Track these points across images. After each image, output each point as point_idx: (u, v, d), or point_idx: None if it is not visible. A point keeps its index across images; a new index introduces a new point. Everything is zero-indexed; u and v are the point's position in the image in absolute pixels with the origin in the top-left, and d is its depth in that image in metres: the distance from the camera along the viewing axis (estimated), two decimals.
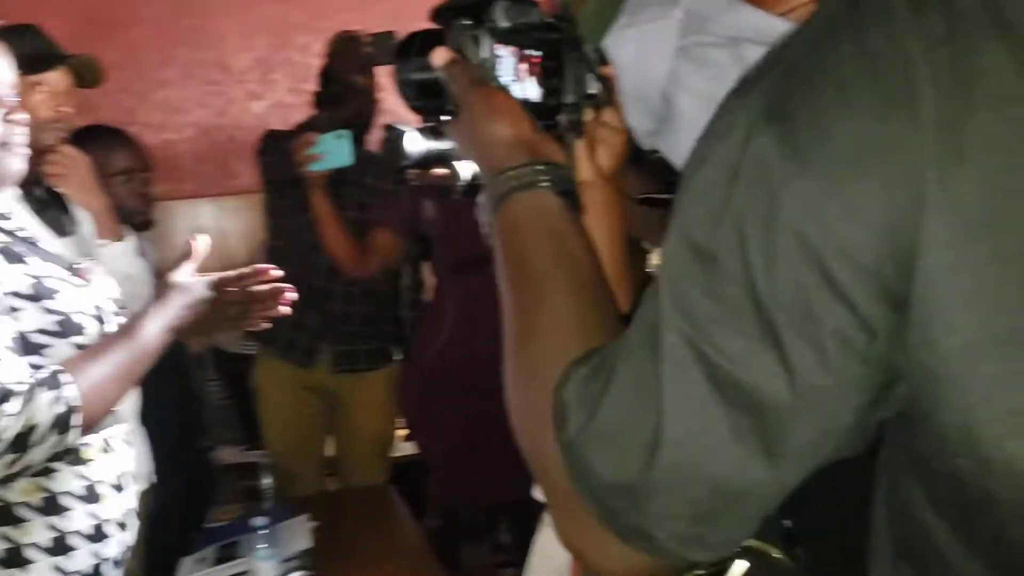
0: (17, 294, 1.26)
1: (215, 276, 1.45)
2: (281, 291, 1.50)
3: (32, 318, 1.26)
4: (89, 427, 1.27)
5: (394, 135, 1.05)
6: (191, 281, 1.43)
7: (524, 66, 0.83)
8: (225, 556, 2.19)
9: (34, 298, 1.27)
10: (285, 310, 1.51)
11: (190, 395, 2.64)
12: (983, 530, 0.49)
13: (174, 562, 2.22)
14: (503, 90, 0.80)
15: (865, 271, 0.47)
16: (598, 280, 0.69)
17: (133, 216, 2.30)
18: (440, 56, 0.81)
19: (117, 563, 1.35)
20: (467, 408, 2.53)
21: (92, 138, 2.23)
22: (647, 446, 0.52)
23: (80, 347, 1.30)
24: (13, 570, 1.23)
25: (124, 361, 1.31)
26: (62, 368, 1.24)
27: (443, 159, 1.08)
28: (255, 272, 1.49)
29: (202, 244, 1.46)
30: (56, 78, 1.97)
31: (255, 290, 1.48)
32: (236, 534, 2.28)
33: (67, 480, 1.28)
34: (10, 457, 1.18)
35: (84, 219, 2.03)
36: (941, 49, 0.46)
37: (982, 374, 0.46)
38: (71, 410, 1.22)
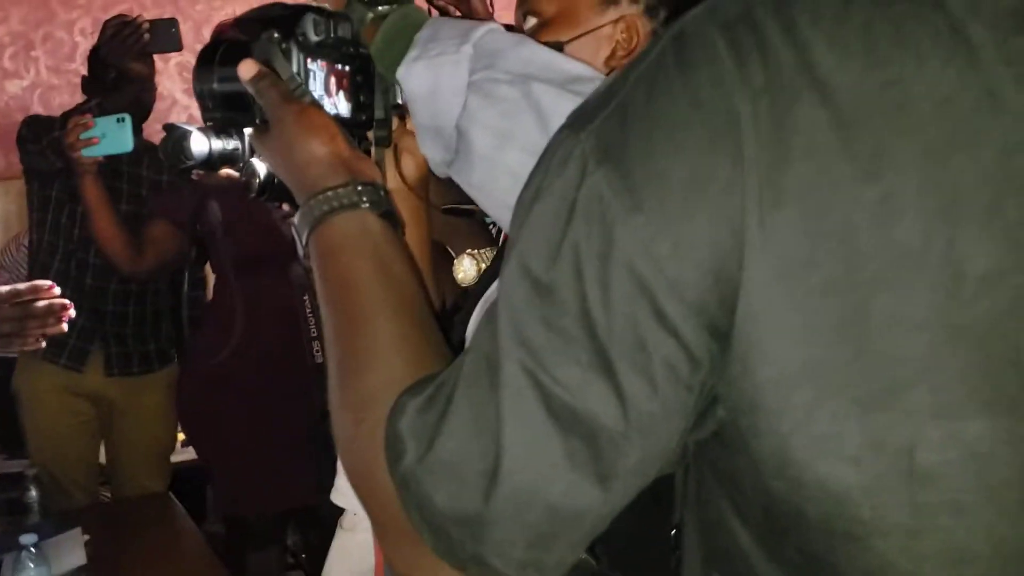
0: None
1: None
2: (60, 308, 1.43)
3: None
4: None
5: (176, 135, 1.02)
6: None
7: (334, 80, 0.83)
8: None
9: None
10: (63, 328, 1.44)
11: None
12: (791, 543, 0.54)
13: None
14: (317, 106, 0.80)
15: (692, 305, 0.50)
16: (424, 304, 0.70)
17: None
18: (248, 69, 0.79)
19: None
20: (253, 412, 2.47)
21: None
22: (487, 475, 0.53)
23: None
24: None
25: None
26: None
27: (230, 159, 1.06)
28: (33, 289, 1.41)
29: None
30: None
31: (32, 307, 1.40)
32: (0, 552, 2.11)
33: None
34: None
35: None
36: (762, 100, 0.49)
37: (796, 403, 0.50)
38: None
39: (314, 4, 0.85)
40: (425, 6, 2.21)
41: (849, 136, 0.49)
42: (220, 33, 2.88)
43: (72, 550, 2.08)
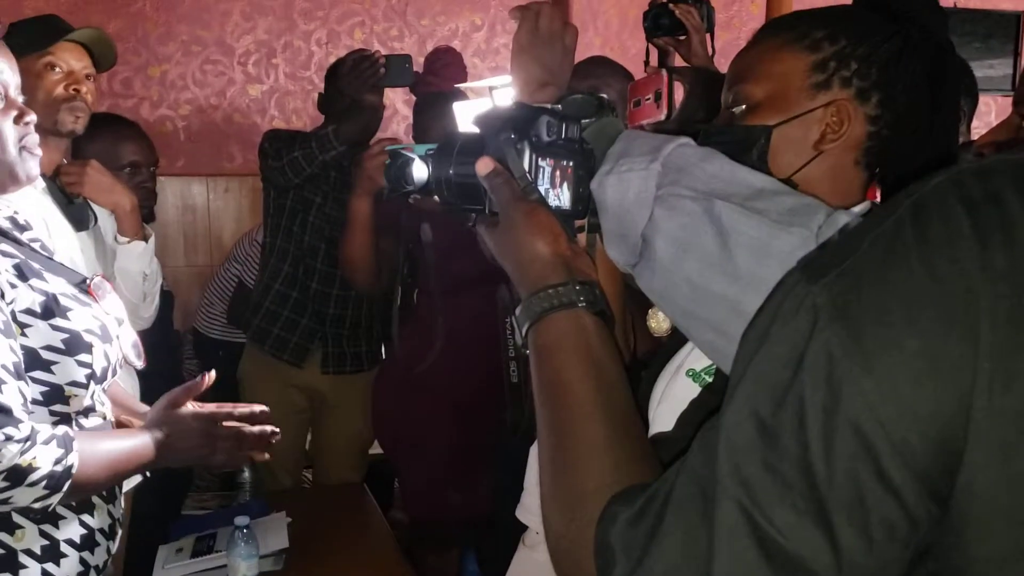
0: (29, 311, 1.28)
1: (211, 410, 1.47)
2: (271, 434, 1.52)
3: (40, 335, 1.29)
4: (71, 498, 1.29)
5: (400, 162, 1.11)
6: (190, 414, 1.45)
7: (559, 175, 0.88)
8: (202, 548, 2.23)
9: (44, 316, 1.30)
10: (267, 457, 1.53)
11: (177, 381, 2.68)
12: None
13: (151, 548, 2.26)
14: (544, 205, 0.85)
15: (915, 471, 0.51)
16: (632, 407, 0.74)
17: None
18: (484, 165, 0.87)
19: (100, 570, 1.40)
20: (443, 423, 2.58)
21: (103, 127, 2.25)
22: None
23: (84, 364, 1.32)
24: (5, 574, 1.27)
25: (122, 464, 1.35)
26: (74, 436, 1.27)
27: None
28: (249, 414, 1.50)
29: (209, 379, 1.50)
30: (70, 58, 1.99)
31: (247, 434, 1.49)
32: (214, 526, 2.32)
33: None
34: (1, 484, 1.18)
35: (106, 215, 2.07)
36: (1002, 284, 0.50)
37: None
38: (68, 475, 1.24)
39: (549, 107, 0.91)
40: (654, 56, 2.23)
41: None
42: (433, 65, 3.00)
43: (277, 532, 2.27)
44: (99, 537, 1.38)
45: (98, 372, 1.35)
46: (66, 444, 1.24)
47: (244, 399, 2.96)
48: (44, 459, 1.20)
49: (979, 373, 0.50)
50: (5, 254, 1.31)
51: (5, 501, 1.21)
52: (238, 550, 2.03)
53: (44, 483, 1.21)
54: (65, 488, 1.23)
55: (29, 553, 1.30)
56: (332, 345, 2.88)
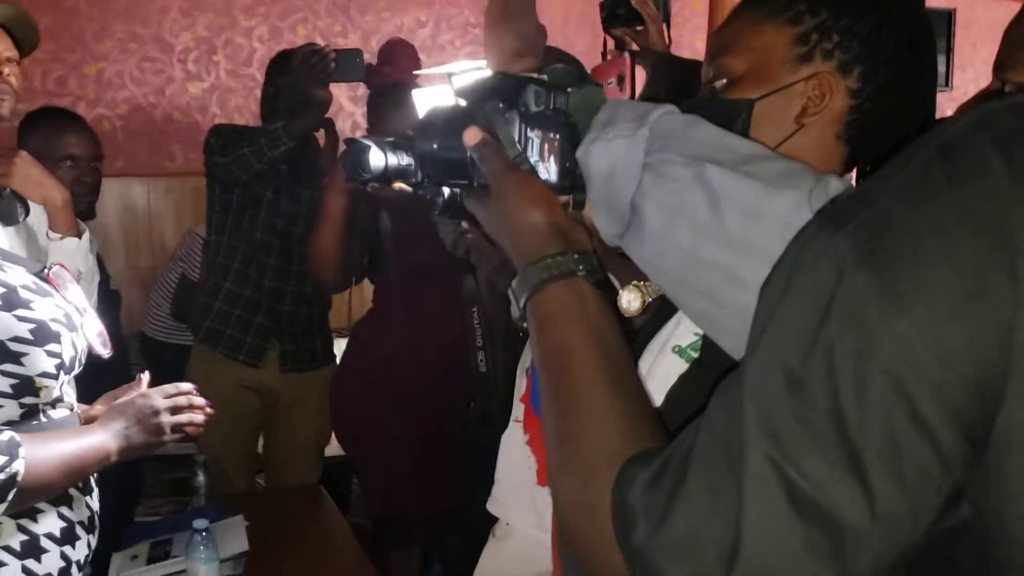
0: None
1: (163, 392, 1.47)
2: (203, 406, 1.52)
3: (5, 327, 1.24)
4: (18, 506, 1.24)
5: (356, 148, 1.08)
6: (152, 398, 1.44)
7: (546, 148, 0.87)
8: (158, 554, 2.17)
9: (6, 307, 1.25)
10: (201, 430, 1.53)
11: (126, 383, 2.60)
12: None
13: (104, 557, 2.18)
14: (535, 175, 0.84)
15: (951, 411, 0.51)
16: (636, 373, 0.73)
17: (76, 204, 2.25)
18: (472, 135, 0.84)
19: (80, 566, 1.35)
20: (405, 417, 2.55)
21: (42, 119, 2.17)
22: (724, 559, 0.55)
23: (53, 355, 1.28)
24: None
25: (77, 463, 1.30)
26: (20, 442, 1.21)
27: (403, 174, 1.12)
28: (176, 393, 1.49)
29: (146, 379, 1.52)
30: None
31: (181, 403, 1.48)
32: (168, 531, 2.26)
33: None
34: None
35: (36, 209, 1.98)
36: None
37: None
38: (12, 485, 1.19)
39: (535, 76, 0.89)
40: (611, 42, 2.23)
41: None
42: (388, 56, 2.97)
43: (236, 535, 2.21)
44: (79, 530, 1.34)
45: (67, 361, 1.31)
46: (10, 451, 1.18)
47: None
48: None
49: (1020, 309, 0.49)
50: None
51: None
52: (197, 554, 1.97)
53: None
54: (10, 496, 1.18)
55: (8, 550, 1.25)
56: (289, 343, 2.83)
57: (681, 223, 0.82)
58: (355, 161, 1.05)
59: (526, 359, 1.91)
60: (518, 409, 1.92)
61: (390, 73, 2.75)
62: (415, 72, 2.86)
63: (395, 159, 1.08)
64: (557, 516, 0.70)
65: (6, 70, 1.90)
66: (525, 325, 0.79)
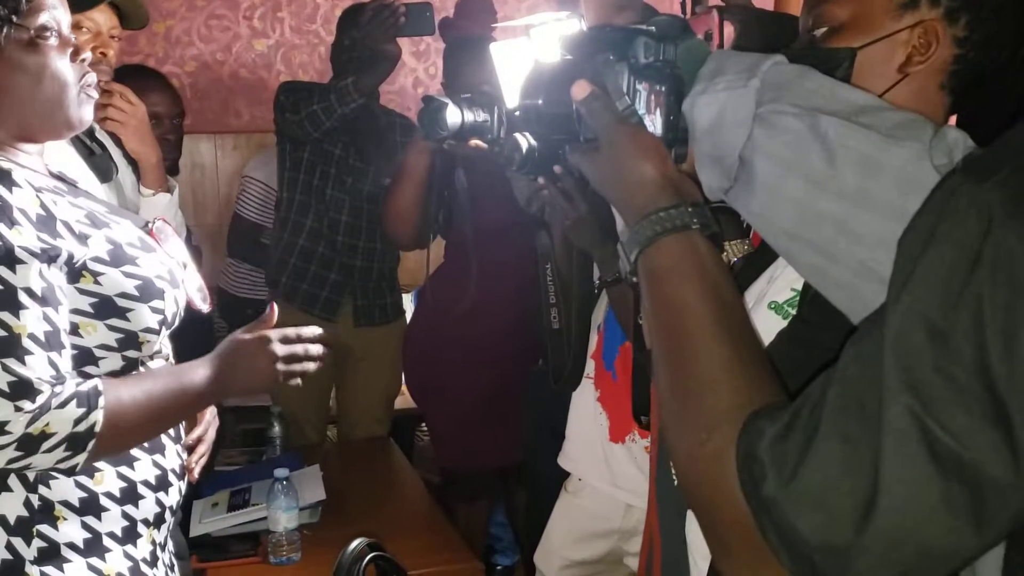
0: (99, 259, 1.27)
1: (285, 338, 1.39)
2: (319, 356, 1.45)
3: (113, 283, 1.27)
4: (102, 457, 1.26)
5: (433, 106, 1.08)
6: (273, 346, 1.37)
7: (653, 100, 0.86)
8: (238, 502, 2.23)
9: (115, 263, 1.28)
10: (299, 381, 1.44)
11: (210, 341, 2.66)
12: None
13: (186, 503, 2.25)
14: (645, 128, 0.83)
15: None
16: (753, 328, 0.73)
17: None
18: (581, 89, 0.83)
19: (173, 511, 1.40)
20: (476, 373, 2.58)
21: (126, 78, 2.21)
22: (859, 510, 0.55)
23: (156, 311, 1.31)
24: (88, 516, 1.27)
25: (166, 409, 1.31)
26: (103, 390, 1.23)
27: (479, 131, 1.12)
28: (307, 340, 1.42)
29: (275, 312, 1.43)
30: (100, 18, 1.94)
31: (299, 351, 1.41)
32: (248, 479, 2.32)
33: None
34: (13, 454, 1.17)
35: (124, 166, 2.03)
36: None
37: None
38: (91, 435, 1.21)
39: (644, 28, 0.88)
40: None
41: None
42: (465, 9, 2.95)
43: (313, 484, 2.27)
44: (171, 477, 1.38)
45: (169, 317, 1.35)
46: (89, 402, 1.21)
47: None
48: (59, 424, 1.18)
49: None
50: (74, 204, 1.29)
51: (27, 467, 1.20)
52: (278, 502, 2.04)
53: (64, 446, 1.19)
54: (89, 447, 1.21)
55: (109, 496, 1.29)
56: (361, 298, 2.87)
57: (794, 176, 0.81)
58: (432, 118, 1.05)
59: (598, 316, 1.92)
60: (589, 366, 1.94)
61: (467, 27, 2.74)
62: (492, 25, 2.85)
63: (471, 115, 1.08)
64: (676, 469, 0.70)
65: (110, 51, 1.94)
66: (635, 280, 0.79)
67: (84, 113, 1.33)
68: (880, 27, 1.01)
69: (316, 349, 1.42)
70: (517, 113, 0.97)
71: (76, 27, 1.88)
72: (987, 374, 0.52)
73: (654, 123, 0.86)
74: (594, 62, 0.85)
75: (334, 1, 4.16)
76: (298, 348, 1.39)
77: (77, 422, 1.19)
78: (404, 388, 2.97)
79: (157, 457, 1.36)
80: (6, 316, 1.17)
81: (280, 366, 1.37)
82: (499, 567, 3.08)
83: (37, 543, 1.24)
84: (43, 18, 1.26)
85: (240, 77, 4.14)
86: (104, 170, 1.92)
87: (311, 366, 1.42)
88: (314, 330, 1.43)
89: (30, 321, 1.18)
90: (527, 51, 1.67)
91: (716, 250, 0.76)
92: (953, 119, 1.13)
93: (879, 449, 0.54)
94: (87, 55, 1.34)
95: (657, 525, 1.24)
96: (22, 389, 1.16)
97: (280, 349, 1.37)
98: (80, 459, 1.21)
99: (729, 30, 1.57)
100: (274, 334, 1.38)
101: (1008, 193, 0.52)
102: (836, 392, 0.58)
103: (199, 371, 1.34)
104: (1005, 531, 0.56)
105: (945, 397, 0.52)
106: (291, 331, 1.40)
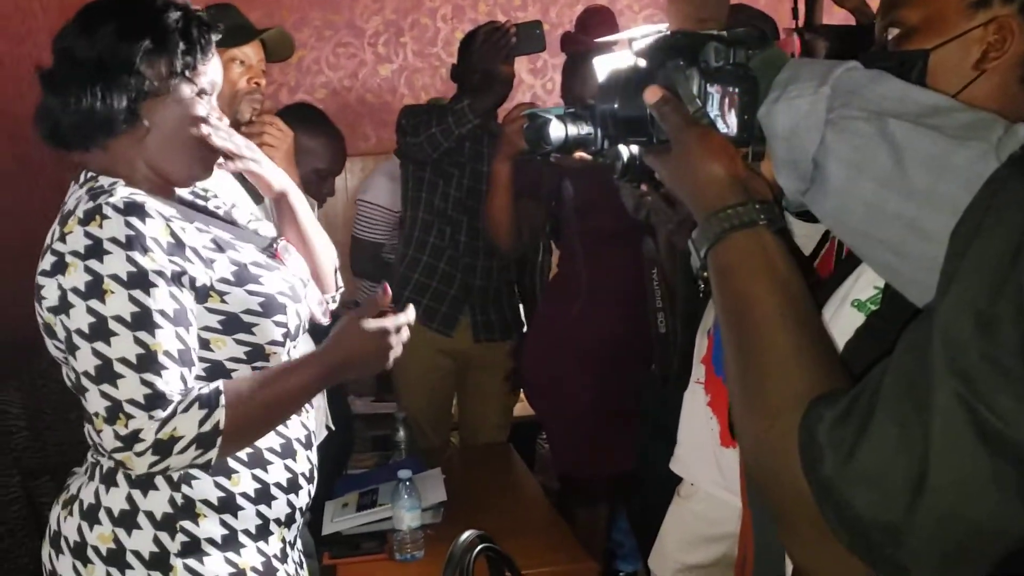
0: (225, 280, 1.38)
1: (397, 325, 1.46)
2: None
3: (238, 301, 1.38)
4: (233, 448, 1.35)
5: (538, 123, 1.14)
6: (390, 338, 1.44)
7: (726, 101, 0.90)
8: (366, 502, 2.36)
9: (239, 283, 1.39)
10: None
11: None
12: None
13: (319, 504, 2.38)
14: (716, 129, 0.87)
15: None
16: (819, 318, 0.76)
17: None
18: (652, 93, 0.88)
19: (302, 512, 1.50)
20: (592, 379, 2.63)
21: (318, 124, 2.39)
22: (911, 490, 0.58)
23: (280, 324, 1.42)
24: (226, 514, 1.39)
25: (284, 400, 1.38)
26: (223, 390, 1.32)
27: (583, 143, 1.17)
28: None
29: (388, 293, 1.49)
30: (251, 52, 2.12)
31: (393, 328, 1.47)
32: (376, 482, 2.45)
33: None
34: (152, 458, 1.27)
35: None
36: None
37: None
38: (217, 433, 1.30)
39: (714, 33, 0.92)
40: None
41: None
42: (585, 23, 2.99)
43: (435, 486, 2.37)
44: (301, 480, 1.48)
45: (292, 330, 1.45)
46: (211, 403, 1.30)
47: (396, 368, 3.07)
48: (185, 427, 1.28)
49: None
50: (201, 229, 1.40)
51: (166, 468, 1.30)
52: (402, 502, 2.13)
53: (195, 446, 1.29)
54: (218, 443, 1.30)
55: (245, 496, 1.40)
56: (480, 313, 2.96)
57: (864, 177, 0.83)
58: (536, 134, 1.11)
59: (707, 321, 1.94)
60: (699, 371, 1.96)
61: (585, 41, 2.79)
62: (596, 40, 2.90)
63: (575, 129, 1.14)
64: (743, 456, 0.74)
65: (263, 82, 2.13)
66: (705, 275, 0.84)
67: (210, 164, 1.47)
68: (953, 27, 1.02)
69: (405, 335, 1.49)
70: (592, 124, 1.02)
71: (231, 60, 2.05)
72: None
73: (728, 123, 0.89)
74: (665, 68, 0.90)
75: (453, 24, 4.32)
76: (405, 335, 1.48)
77: (202, 422, 1.29)
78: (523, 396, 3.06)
79: (288, 461, 1.46)
80: (143, 335, 1.28)
81: (393, 354, 1.45)
82: (621, 573, 3.11)
83: (180, 537, 1.36)
84: (203, 82, 1.41)
85: (367, 101, 4.34)
86: (257, 193, 2.08)
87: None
88: (406, 318, 1.49)
89: (164, 339, 1.30)
90: (628, 63, 1.72)
91: (784, 245, 0.79)
92: None
93: (929, 430, 0.57)
94: (224, 118, 1.46)
95: (751, 533, 1.27)
96: (156, 401, 1.27)
97: (396, 341, 1.45)
98: (212, 455, 1.31)
99: (820, 48, 1.59)
100: (390, 326, 1.44)
101: None
102: (890, 379, 0.61)
103: (308, 368, 1.42)
104: None
105: (992, 382, 0.54)
106: (401, 319, 1.47)
